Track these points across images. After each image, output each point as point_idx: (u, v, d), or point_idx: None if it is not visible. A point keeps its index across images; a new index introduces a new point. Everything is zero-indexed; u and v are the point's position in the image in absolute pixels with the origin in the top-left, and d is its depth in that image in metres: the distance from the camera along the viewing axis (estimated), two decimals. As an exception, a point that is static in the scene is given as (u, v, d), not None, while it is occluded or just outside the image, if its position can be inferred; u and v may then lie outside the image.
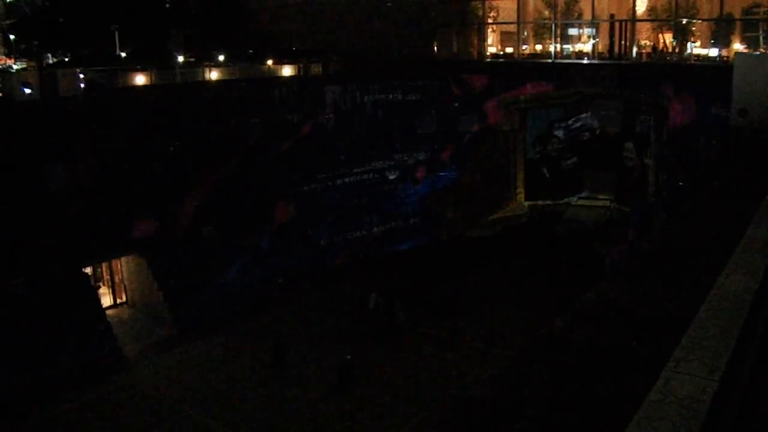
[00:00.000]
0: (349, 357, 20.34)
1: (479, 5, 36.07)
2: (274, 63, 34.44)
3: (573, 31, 35.60)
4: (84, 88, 26.49)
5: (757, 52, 27.44)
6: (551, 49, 34.21)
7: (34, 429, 18.82)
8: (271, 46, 38.50)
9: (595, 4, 32.15)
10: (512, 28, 35.94)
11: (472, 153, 33.41)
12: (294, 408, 19.30)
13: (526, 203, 34.64)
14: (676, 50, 31.71)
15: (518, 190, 34.78)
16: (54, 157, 23.41)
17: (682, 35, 32.18)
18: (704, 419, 3.37)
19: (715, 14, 30.09)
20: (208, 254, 26.25)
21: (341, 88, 30.61)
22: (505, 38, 38.03)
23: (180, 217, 26.26)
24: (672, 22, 31.74)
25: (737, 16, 31.20)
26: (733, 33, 30.99)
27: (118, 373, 21.65)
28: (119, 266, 26.77)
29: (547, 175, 34.63)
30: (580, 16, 35.42)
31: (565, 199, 34.12)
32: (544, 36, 36.69)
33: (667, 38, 32.81)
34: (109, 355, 22.31)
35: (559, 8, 34.53)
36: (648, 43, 34.40)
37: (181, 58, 36.68)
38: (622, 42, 32.26)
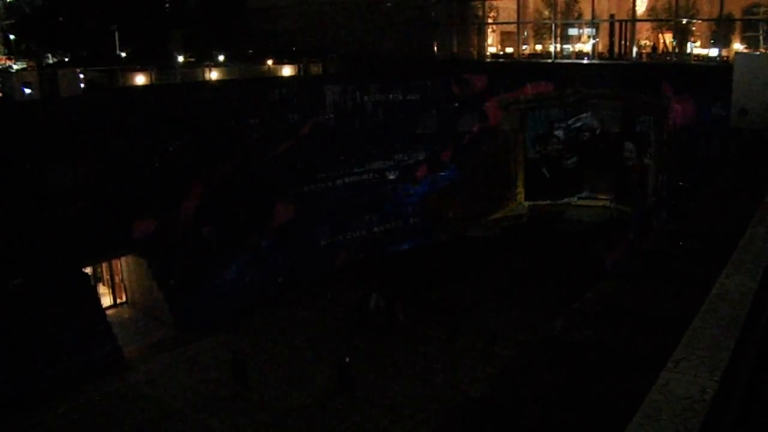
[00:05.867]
0: (347, 359, 20.28)
1: (479, 5, 36.07)
2: (274, 63, 34.42)
3: (573, 31, 35.61)
4: (84, 88, 26.48)
5: (757, 52, 27.44)
6: (551, 49, 34.21)
7: (34, 429, 18.81)
8: (271, 46, 38.48)
9: (595, 4, 32.15)
10: (512, 28, 35.94)
11: (472, 153, 33.41)
12: (295, 408, 19.31)
13: (526, 203, 34.65)
14: (676, 50, 31.71)
15: (518, 190, 34.78)
16: (54, 157, 23.39)
17: (682, 35, 32.18)
18: (704, 419, 3.36)
19: (715, 14, 30.08)
20: (208, 254, 26.25)
21: (341, 88, 30.60)
22: (505, 38, 38.04)
23: (180, 217, 26.25)
24: (672, 22, 31.74)
25: (737, 16, 31.21)
26: (733, 33, 30.99)
27: (118, 373, 21.65)
28: (119, 266, 26.77)
29: (547, 175, 34.64)
30: (580, 16, 35.44)
31: (565, 199, 34.13)
32: (544, 36, 36.70)
33: (667, 38, 32.81)
34: (109, 355, 22.30)
35: (559, 8, 34.55)
36: (648, 43, 34.41)
37: (181, 58, 36.70)
38: (622, 42, 32.26)
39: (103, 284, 27.12)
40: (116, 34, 34.99)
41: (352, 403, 19.38)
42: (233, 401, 19.83)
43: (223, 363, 21.80)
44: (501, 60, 36.44)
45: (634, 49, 32.05)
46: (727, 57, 28.35)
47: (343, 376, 20.02)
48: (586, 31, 35.12)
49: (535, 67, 34.16)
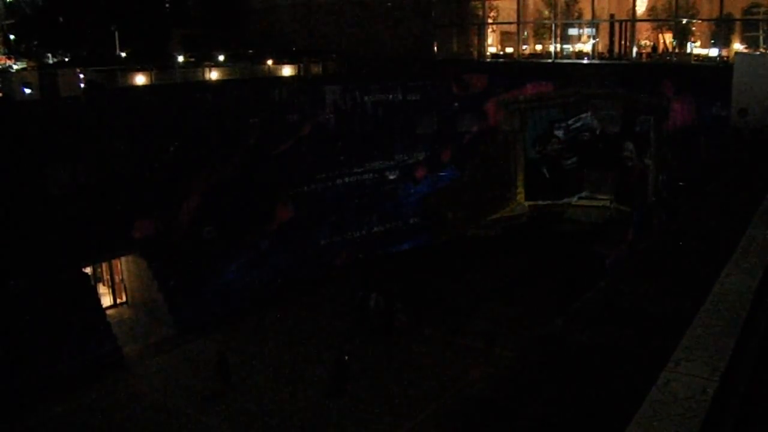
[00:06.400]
0: (346, 357, 20.21)
1: (479, 5, 36.07)
2: (274, 63, 34.43)
3: (573, 31, 35.60)
4: (84, 88, 26.48)
5: (757, 52, 27.44)
6: (551, 49, 34.21)
7: (34, 429, 18.82)
8: (271, 46, 38.49)
9: (595, 4, 32.15)
10: (512, 28, 35.94)
11: (472, 153, 33.40)
12: (294, 408, 19.30)
13: (526, 203, 34.64)
14: (676, 50, 31.71)
15: (518, 190, 34.77)
16: (54, 157, 23.39)
17: (682, 35, 32.18)
18: (704, 419, 3.37)
19: (715, 14, 30.08)
20: (208, 254, 26.24)
21: (341, 88, 30.59)
22: (505, 38, 38.04)
23: (180, 217, 26.25)
24: (672, 22, 31.74)
25: (737, 16, 31.19)
26: (733, 33, 30.98)
27: (118, 373, 21.65)
28: (119, 266, 26.76)
29: (547, 175, 34.64)
30: (580, 16, 35.43)
31: (565, 199, 34.11)
32: (544, 36, 36.70)
33: (667, 38, 32.81)
34: (109, 355, 22.31)
35: (559, 8, 34.54)
36: (648, 43, 34.40)
37: (181, 58, 36.70)
38: (622, 42, 32.26)
39: (103, 284, 27.10)
40: (116, 34, 35.01)
41: (352, 402, 19.39)
42: (233, 402, 19.84)
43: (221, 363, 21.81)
44: (501, 60, 36.43)
45: (634, 49, 32.04)
46: (727, 57, 28.34)
47: (340, 373, 19.92)
48: (586, 31, 35.11)
49: (535, 67, 34.15)
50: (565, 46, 34.85)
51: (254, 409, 19.42)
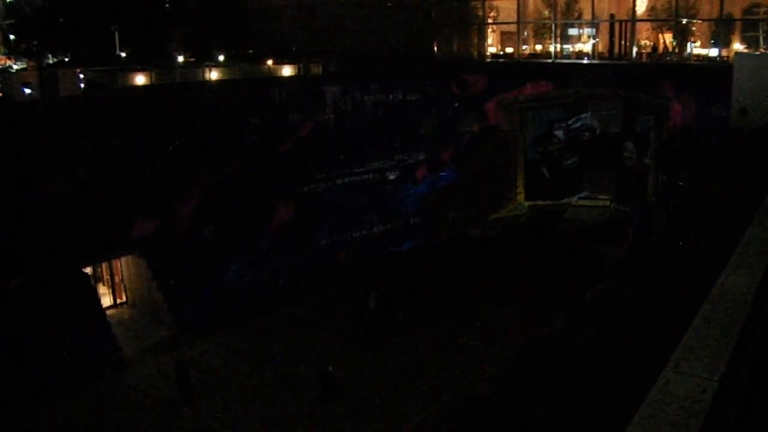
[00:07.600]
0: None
1: (479, 5, 36.08)
2: (274, 63, 34.45)
3: (573, 31, 35.62)
4: (84, 88, 26.48)
5: (757, 52, 27.45)
6: (551, 49, 34.22)
7: (34, 429, 18.81)
8: (271, 46, 38.52)
9: (595, 4, 32.17)
10: (512, 28, 35.95)
11: (472, 153, 33.40)
12: (293, 409, 19.30)
13: (526, 203, 34.65)
14: (676, 50, 31.71)
15: (518, 190, 34.78)
16: (54, 157, 23.39)
17: (682, 35, 32.19)
18: (704, 419, 3.37)
19: (715, 14, 30.10)
20: (208, 254, 26.23)
21: (341, 88, 30.60)
22: (505, 38, 38.05)
23: (180, 217, 26.24)
24: (672, 22, 31.75)
25: (737, 16, 31.22)
26: (733, 33, 31.00)
27: (118, 373, 21.65)
28: (119, 266, 26.76)
29: (547, 175, 34.64)
30: (580, 16, 35.44)
31: (565, 199, 34.12)
32: (544, 36, 36.71)
33: (667, 38, 32.82)
34: (109, 355, 22.30)
35: (559, 8, 34.55)
36: (648, 43, 34.42)
37: (181, 58, 36.71)
38: (622, 42, 32.28)
39: (103, 284, 27.10)
40: (116, 34, 35.02)
41: (352, 403, 19.37)
42: (231, 402, 19.83)
43: (222, 363, 21.80)
44: (501, 60, 36.45)
45: (634, 49, 32.05)
46: (727, 57, 28.35)
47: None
48: (586, 31, 35.12)
49: (535, 67, 34.17)
50: (565, 46, 34.87)
51: (253, 409, 19.41)
